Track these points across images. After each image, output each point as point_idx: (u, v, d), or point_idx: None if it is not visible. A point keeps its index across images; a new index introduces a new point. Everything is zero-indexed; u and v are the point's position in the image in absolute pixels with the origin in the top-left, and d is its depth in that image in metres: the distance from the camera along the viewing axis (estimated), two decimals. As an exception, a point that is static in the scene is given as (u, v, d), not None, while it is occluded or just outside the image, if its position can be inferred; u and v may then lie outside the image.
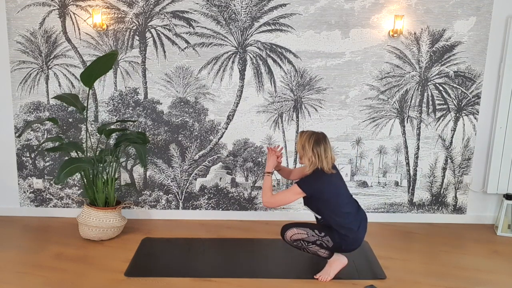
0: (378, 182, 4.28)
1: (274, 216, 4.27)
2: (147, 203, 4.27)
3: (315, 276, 3.19)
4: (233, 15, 3.94)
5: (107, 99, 4.09)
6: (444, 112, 4.14)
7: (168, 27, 3.96)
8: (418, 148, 4.20)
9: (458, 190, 4.28)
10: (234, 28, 3.97)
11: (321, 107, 4.12)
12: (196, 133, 4.16)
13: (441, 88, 4.09)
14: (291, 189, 3.11)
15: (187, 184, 4.25)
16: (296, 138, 4.17)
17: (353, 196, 3.33)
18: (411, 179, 4.26)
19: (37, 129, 4.15)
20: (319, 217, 3.20)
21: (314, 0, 3.92)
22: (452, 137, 4.18)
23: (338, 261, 3.21)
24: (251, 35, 3.98)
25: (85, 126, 4.09)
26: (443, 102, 4.11)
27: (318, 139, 3.07)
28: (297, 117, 4.14)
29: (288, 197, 3.11)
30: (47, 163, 4.20)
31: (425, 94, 4.10)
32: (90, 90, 3.96)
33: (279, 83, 4.07)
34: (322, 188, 3.05)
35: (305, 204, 3.21)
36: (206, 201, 4.28)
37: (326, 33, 3.98)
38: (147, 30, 3.97)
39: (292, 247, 3.25)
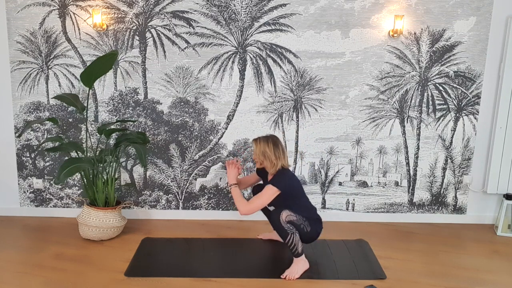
0: (378, 182, 4.28)
1: (274, 216, 4.27)
2: (147, 203, 4.27)
3: (282, 276, 3.20)
4: (233, 15, 3.94)
5: (107, 99, 4.09)
6: (444, 112, 4.14)
7: (168, 27, 3.96)
8: (418, 148, 4.20)
9: (458, 190, 4.28)
10: (234, 28, 3.97)
11: (321, 107, 4.12)
12: (196, 133, 4.16)
13: (441, 88, 4.09)
14: (265, 191, 3.20)
15: (187, 184, 4.25)
16: (296, 138, 4.17)
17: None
18: (411, 179, 4.26)
19: (37, 129, 4.16)
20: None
21: (314, 0, 3.92)
22: (452, 137, 4.18)
23: (304, 262, 3.29)
24: (251, 35, 3.98)
25: (85, 126, 4.09)
26: (443, 102, 4.11)
27: (275, 142, 3.29)
28: (297, 117, 4.14)
29: (265, 199, 3.20)
30: (47, 163, 4.20)
31: (425, 94, 4.10)
32: (90, 90, 3.96)
33: (279, 83, 4.07)
34: (292, 182, 3.26)
35: (273, 204, 3.29)
36: (206, 201, 4.28)
37: (326, 33, 3.98)
38: (147, 30, 3.97)
39: (282, 232, 3.18)
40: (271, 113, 4.13)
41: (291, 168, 3.76)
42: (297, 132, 4.17)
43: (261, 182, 3.59)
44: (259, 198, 3.21)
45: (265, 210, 3.62)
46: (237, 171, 3.40)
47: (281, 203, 3.25)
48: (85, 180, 3.81)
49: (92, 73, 3.57)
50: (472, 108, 4.12)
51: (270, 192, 3.19)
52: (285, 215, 3.16)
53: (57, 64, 4.03)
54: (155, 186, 4.25)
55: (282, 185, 3.19)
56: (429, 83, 4.08)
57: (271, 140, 3.28)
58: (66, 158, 3.90)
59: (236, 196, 3.27)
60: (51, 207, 4.28)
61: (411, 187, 4.28)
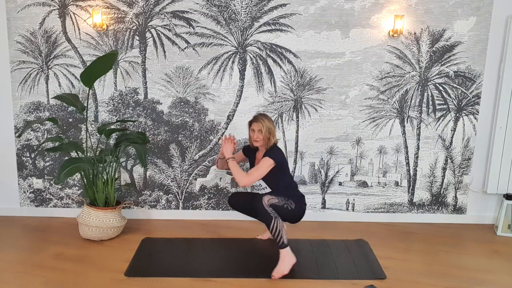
0: (378, 182, 4.28)
1: (274, 216, 4.27)
2: (147, 203, 4.27)
3: (272, 274, 3.20)
4: (233, 15, 3.94)
5: (107, 99, 4.09)
6: (444, 112, 4.14)
7: (168, 27, 3.96)
8: (418, 148, 4.20)
9: (458, 190, 4.28)
10: (234, 28, 3.97)
11: (321, 107, 4.12)
12: (196, 133, 4.16)
13: (441, 88, 4.09)
14: (262, 163, 3.30)
15: (187, 184, 4.25)
16: (296, 138, 4.17)
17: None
18: (411, 179, 4.26)
19: (37, 129, 4.16)
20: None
21: (314, 0, 3.92)
22: (452, 137, 4.18)
23: (290, 256, 3.28)
24: (251, 35, 3.98)
25: (85, 126, 4.09)
26: (443, 102, 4.11)
27: (270, 118, 3.43)
28: (297, 117, 4.14)
29: (262, 170, 3.29)
30: (47, 163, 4.20)
31: (425, 94, 4.10)
32: (90, 90, 3.96)
33: (279, 83, 4.07)
34: (283, 156, 3.39)
35: (263, 179, 3.39)
36: (206, 201, 4.28)
37: (326, 33, 3.98)
38: (147, 30, 3.97)
39: (265, 217, 3.21)
40: (271, 113, 4.13)
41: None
42: (297, 132, 4.17)
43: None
44: (257, 169, 3.30)
45: (247, 210, 3.62)
46: (233, 146, 3.45)
47: (271, 178, 3.37)
48: (85, 180, 3.81)
49: (92, 73, 3.57)
50: (472, 108, 4.12)
51: (267, 164, 3.28)
52: (267, 199, 3.24)
53: (57, 64, 4.03)
54: (155, 186, 4.25)
55: (277, 157, 3.31)
56: (429, 83, 4.08)
57: (269, 117, 3.41)
58: (66, 158, 3.90)
59: (235, 169, 3.33)
60: (51, 207, 4.28)
61: (411, 187, 4.28)
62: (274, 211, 3.23)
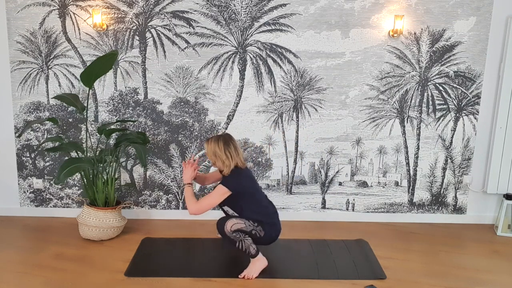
0: (378, 182, 4.28)
1: (274, 216, 4.27)
2: (147, 203, 4.27)
3: (239, 276, 3.20)
4: (233, 15, 3.94)
5: (107, 99, 4.09)
6: (444, 112, 4.14)
7: (168, 27, 3.96)
8: (418, 148, 4.20)
9: (458, 190, 4.28)
10: (234, 28, 3.97)
11: (321, 107, 4.12)
12: (196, 133, 4.16)
13: (441, 88, 4.09)
14: (215, 191, 3.18)
15: (187, 184, 4.24)
16: (296, 138, 4.17)
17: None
18: (411, 179, 4.26)
19: (37, 129, 4.16)
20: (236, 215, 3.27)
21: (314, 0, 3.92)
22: (452, 137, 4.18)
23: (261, 261, 3.26)
24: (251, 35, 3.98)
25: (85, 126, 4.09)
26: (443, 102, 4.11)
27: (226, 141, 3.23)
28: (297, 117, 4.14)
29: (214, 199, 3.17)
30: (47, 163, 4.20)
31: (425, 94, 4.10)
32: (90, 90, 3.96)
33: (279, 83, 4.07)
34: (244, 182, 3.23)
35: (226, 204, 3.26)
36: (206, 201, 4.27)
37: (326, 33, 3.98)
38: (147, 30, 3.97)
39: (231, 239, 3.17)
40: (271, 113, 4.13)
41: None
42: (297, 132, 4.17)
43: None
44: (208, 198, 3.19)
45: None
46: (194, 171, 3.36)
47: (234, 204, 3.24)
48: (85, 180, 3.81)
49: (92, 73, 3.57)
50: (472, 108, 4.12)
51: (220, 192, 3.16)
52: (230, 225, 3.13)
53: (57, 64, 4.03)
54: (155, 186, 4.25)
55: (232, 185, 3.15)
56: (429, 83, 4.08)
57: (222, 139, 3.23)
58: (66, 158, 3.90)
59: (188, 196, 3.24)
60: (51, 207, 4.28)
61: (411, 187, 4.28)
62: (239, 233, 3.14)
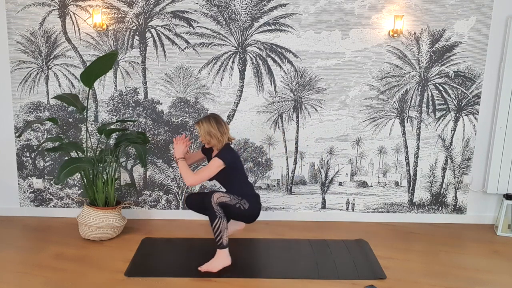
0: (378, 182, 4.28)
1: (274, 216, 4.27)
2: (147, 203, 4.27)
3: (199, 268, 3.24)
4: (233, 15, 3.94)
5: (107, 99, 4.09)
6: (444, 112, 4.14)
7: (168, 27, 3.96)
8: (418, 148, 4.20)
9: (458, 190, 4.28)
10: (234, 28, 3.97)
11: (321, 107, 4.12)
12: (196, 133, 4.15)
13: (441, 88, 4.09)
14: (211, 163, 3.30)
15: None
16: (296, 138, 4.17)
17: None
18: (411, 179, 4.26)
19: (37, 129, 4.16)
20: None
21: (314, 0, 3.92)
22: (452, 137, 4.18)
23: (226, 258, 3.30)
24: (251, 35, 3.98)
25: (85, 126, 4.09)
26: (443, 102, 4.11)
27: (217, 119, 3.37)
28: (297, 117, 4.14)
29: (211, 171, 3.29)
30: (47, 163, 4.20)
31: (425, 94, 4.10)
32: (90, 90, 3.96)
33: (279, 83, 4.07)
34: (236, 156, 3.41)
35: (217, 178, 3.39)
36: (206, 201, 4.27)
37: (326, 33, 3.98)
38: (147, 30, 3.97)
39: (214, 212, 3.23)
40: (271, 113, 4.13)
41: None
42: (297, 132, 4.17)
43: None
44: (206, 169, 3.30)
45: (202, 209, 3.53)
46: (185, 147, 3.47)
47: (223, 177, 3.38)
48: (85, 180, 3.81)
49: (92, 73, 3.57)
50: (472, 108, 4.12)
51: (216, 164, 3.28)
52: (217, 197, 3.25)
53: (57, 64, 4.03)
54: (155, 186, 4.25)
55: (227, 158, 3.30)
56: (429, 83, 4.08)
57: (213, 119, 3.36)
58: (66, 158, 3.90)
59: (183, 169, 3.36)
60: (51, 207, 4.28)
61: (411, 187, 4.28)
62: (222, 211, 3.25)
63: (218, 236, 3.25)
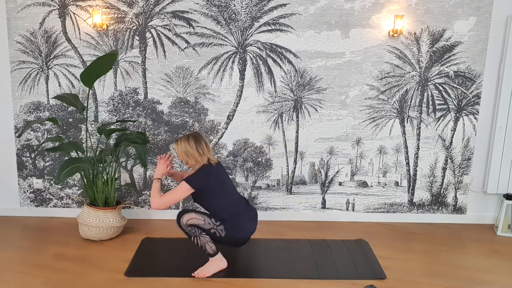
0: (378, 182, 4.28)
1: (274, 216, 4.27)
2: (147, 203, 4.27)
3: (192, 274, 3.20)
4: (233, 15, 3.94)
5: (107, 99, 4.09)
6: (444, 112, 4.14)
7: (168, 27, 3.96)
8: (418, 148, 4.20)
9: (458, 190, 4.28)
10: (234, 28, 3.97)
11: (321, 107, 4.12)
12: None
13: (441, 88, 4.09)
14: (179, 187, 3.15)
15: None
16: (296, 138, 4.17)
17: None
18: (411, 179, 4.26)
19: (37, 129, 4.16)
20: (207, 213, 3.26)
21: (314, 0, 3.92)
22: (452, 137, 4.18)
23: (219, 261, 3.26)
24: (251, 35, 3.98)
25: (85, 126, 4.09)
26: (443, 102, 4.11)
27: (196, 138, 3.20)
28: (297, 117, 4.14)
29: (176, 195, 3.15)
30: (47, 163, 4.20)
31: (425, 94, 4.10)
32: (90, 90, 3.96)
33: (279, 83, 4.07)
34: (209, 179, 3.16)
35: (195, 201, 3.28)
36: (206, 201, 4.27)
37: (326, 33, 3.98)
38: (147, 30, 3.97)
39: (185, 233, 3.21)
40: (271, 113, 4.13)
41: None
42: (297, 132, 4.17)
43: None
44: (172, 193, 3.17)
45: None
46: (166, 168, 3.31)
47: (201, 201, 3.25)
48: (85, 180, 3.81)
49: (92, 73, 3.57)
50: (472, 108, 4.12)
51: (183, 189, 3.13)
52: (186, 219, 3.14)
53: (57, 64, 4.03)
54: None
55: (194, 182, 3.13)
56: (429, 83, 4.08)
57: (192, 137, 3.20)
58: (66, 158, 3.89)
59: (154, 190, 3.21)
60: (51, 207, 4.28)
61: (411, 187, 4.28)
62: (195, 228, 3.14)
63: (202, 249, 3.20)
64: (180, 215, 3.19)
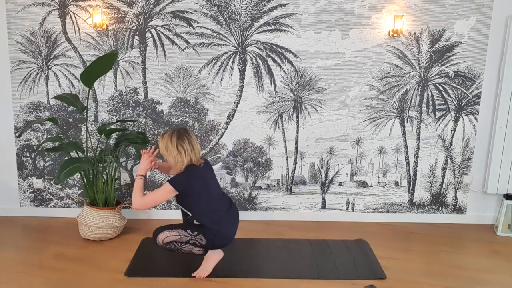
0: (378, 182, 4.28)
1: (274, 216, 4.27)
2: (147, 203, 4.27)
3: (192, 274, 3.18)
4: (233, 15, 3.94)
5: (107, 99, 4.09)
6: (444, 112, 4.14)
7: (168, 27, 3.96)
8: (418, 148, 4.20)
9: (458, 190, 4.28)
10: (234, 28, 3.97)
11: (321, 107, 4.12)
12: (196, 133, 4.16)
13: (441, 88, 4.09)
14: (162, 188, 3.01)
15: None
16: (296, 138, 4.17)
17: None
18: (411, 179, 4.26)
19: (37, 129, 4.16)
20: (189, 214, 3.16)
21: (314, 0, 3.92)
22: (452, 137, 4.18)
23: (214, 255, 3.21)
24: (251, 35, 3.98)
25: (85, 126, 4.09)
26: (443, 102, 4.11)
27: (180, 135, 3.02)
28: (297, 117, 4.14)
29: (159, 196, 3.03)
30: (47, 163, 4.20)
31: (425, 94, 4.10)
32: (90, 90, 3.96)
33: (279, 83, 4.07)
34: (192, 182, 3.01)
35: (178, 202, 3.16)
36: (206, 201, 4.27)
37: (326, 33, 3.98)
38: (147, 30, 3.97)
39: (167, 250, 3.15)
40: (271, 113, 4.13)
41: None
42: (297, 132, 4.17)
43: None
44: (155, 194, 3.04)
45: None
46: (150, 163, 3.18)
47: (185, 203, 3.12)
48: (85, 180, 3.81)
49: (92, 73, 3.57)
50: (472, 108, 4.12)
51: (166, 189, 2.98)
52: (162, 238, 3.07)
53: (57, 64, 4.03)
54: (155, 186, 4.24)
55: (178, 184, 2.98)
56: (429, 83, 4.08)
57: (176, 133, 3.02)
58: (66, 158, 3.89)
59: (136, 188, 3.06)
60: (51, 207, 4.27)
61: (411, 187, 4.28)
62: (173, 245, 3.07)
63: (191, 255, 3.17)
64: (155, 235, 3.11)
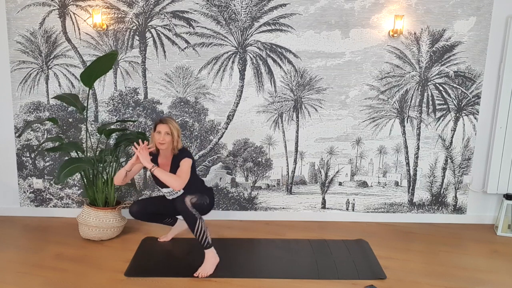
0: (378, 182, 4.28)
1: (274, 216, 4.27)
2: (147, 203, 4.27)
3: (194, 274, 3.20)
4: (233, 15, 3.94)
5: (107, 99, 4.09)
6: (444, 112, 4.14)
7: (168, 27, 3.96)
8: (418, 148, 4.20)
9: (458, 190, 4.28)
10: (234, 28, 3.97)
11: (321, 107, 4.12)
12: (196, 133, 4.16)
13: (441, 88, 4.09)
14: (184, 164, 3.24)
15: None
16: (296, 138, 4.17)
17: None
18: (411, 179, 4.26)
19: (37, 129, 4.16)
20: (170, 196, 3.42)
21: (314, 0, 3.92)
22: (452, 137, 4.18)
23: (214, 257, 3.30)
24: (251, 35, 3.98)
25: (85, 126, 4.09)
26: (443, 102, 4.12)
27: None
28: (297, 117, 4.14)
29: (187, 169, 3.25)
30: (47, 163, 4.20)
31: (425, 94, 4.10)
32: (90, 90, 3.96)
33: (279, 83, 4.07)
34: (192, 156, 3.38)
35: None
36: (206, 201, 4.27)
37: (326, 33, 3.98)
38: (147, 30, 3.97)
39: (190, 219, 3.20)
40: (271, 113, 4.13)
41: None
42: (297, 132, 4.17)
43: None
44: (185, 171, 3.22)
45: (155, 216, 3.61)
46: (147, 152, 3.25)
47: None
48: (85, 180, 3.81)
49: (92, 73, 3.57)
50: (472, 108, 4.12)
51: (189, 164, 3.26)
52: (189, 199, 3.20)
53: (57, 64, 4.03)
54: (155, 186, 4.24)
55: (192, 156, 3.33)
56: (429, 83, 4.08)
57: (175, 120, 3.39)
58: (66, 158, 3.90)
59: (165, 174, 3.20)
60: (51, 207, 4.28)
61: (411, 187, 4.28)
62: (197, 211, 3.21)
63: (203, 237, 3.22)
64: (180, 200, 3.20)
